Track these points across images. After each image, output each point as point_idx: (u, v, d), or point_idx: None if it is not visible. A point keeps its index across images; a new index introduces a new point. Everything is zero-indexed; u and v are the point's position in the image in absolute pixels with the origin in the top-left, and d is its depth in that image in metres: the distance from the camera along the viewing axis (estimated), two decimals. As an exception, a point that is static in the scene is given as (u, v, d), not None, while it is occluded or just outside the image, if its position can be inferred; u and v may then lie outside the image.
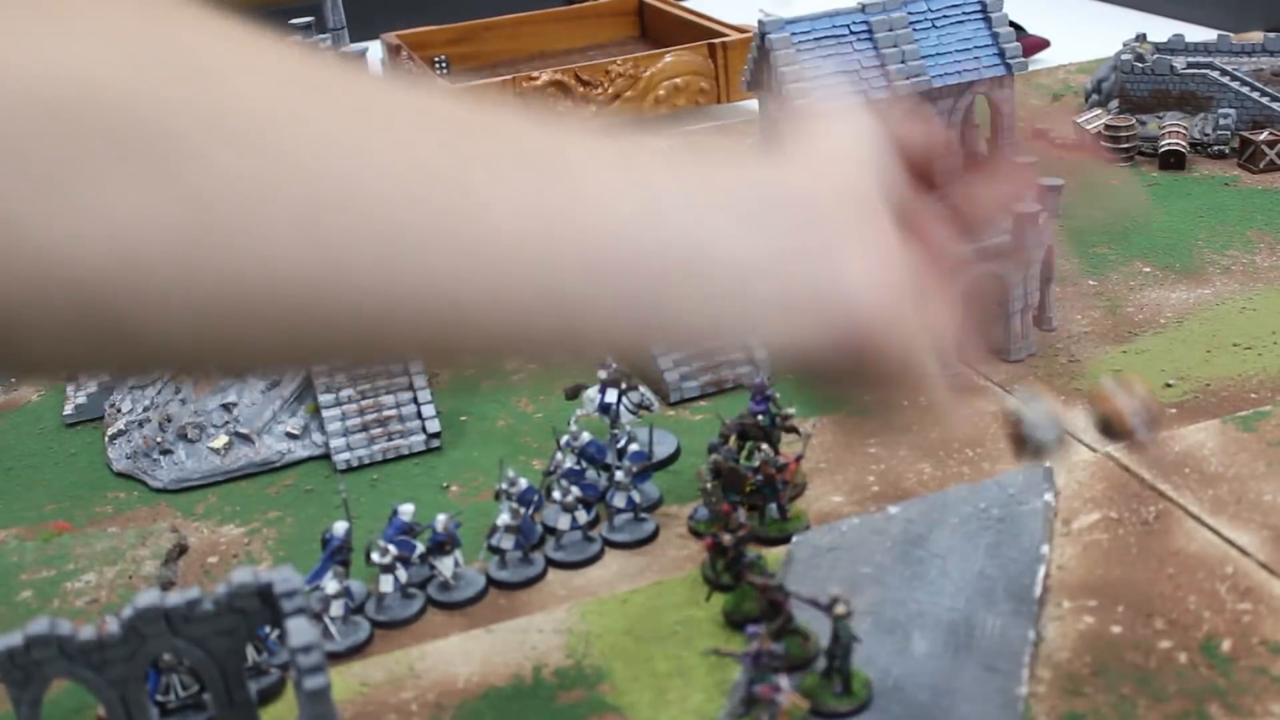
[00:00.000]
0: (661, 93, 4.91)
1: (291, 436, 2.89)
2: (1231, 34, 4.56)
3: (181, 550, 2.60)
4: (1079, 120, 4.25)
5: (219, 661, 1.89)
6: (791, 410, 2.57)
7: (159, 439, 2.88)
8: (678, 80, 4.91)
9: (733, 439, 2.54)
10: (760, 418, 2.54)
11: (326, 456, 2.87)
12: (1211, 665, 2.07)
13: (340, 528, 2.34)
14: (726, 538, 2.24)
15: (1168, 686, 2.03)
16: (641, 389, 2.68)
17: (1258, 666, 2.05)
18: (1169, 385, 2.85)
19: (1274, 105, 4.11)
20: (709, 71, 4.96)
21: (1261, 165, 3.94)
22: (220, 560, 2.57)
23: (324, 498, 2.74)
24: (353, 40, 3.03)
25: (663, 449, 2.73)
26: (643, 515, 2.52)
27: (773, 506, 2.46)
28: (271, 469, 2.86)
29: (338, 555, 2.33)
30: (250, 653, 2.15)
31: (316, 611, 2.29)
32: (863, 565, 2.33)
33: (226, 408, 2.89)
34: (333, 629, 2.29)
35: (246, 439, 2.86)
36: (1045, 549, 2.33)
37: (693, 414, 2.91)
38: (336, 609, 2.30)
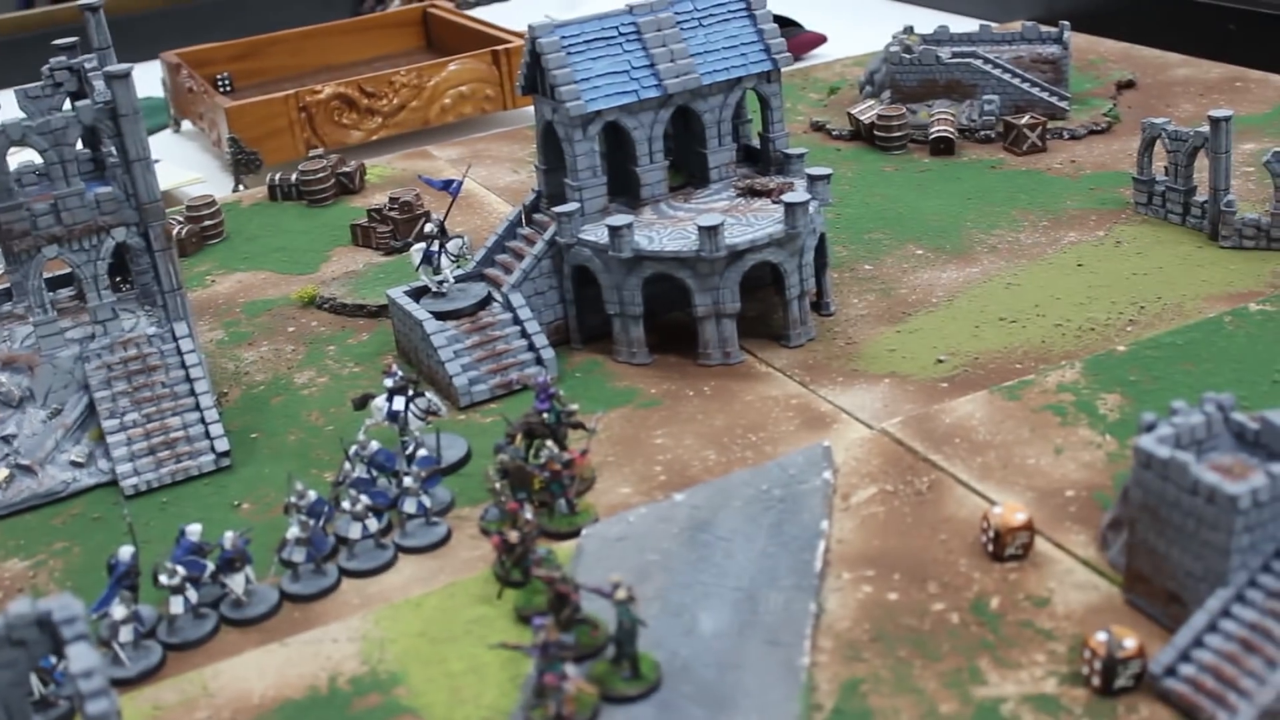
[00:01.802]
0: (448, 101, 4.92)
1: (76, 465, 2.84)
2: (994, 24, 4.76)
3: (-37, 588, 2.53)
4: (853, 111, 4.39)
5: (1, 696, 1.85)
6: (574, 406, 2.62)
7: (-65, 476, 2.80)
8: (463, 88, 4.93)
9: (519, 438, 2.57)
10: (545, 415, 2.58)
11: (114, 483, 2.82)
12: (982, 623, 2.17)
13: (126, 552, 2.31)
14: (514, 535, 2.28)
15: (941, 646, 2.13)
16: (429, 395, 2.70)
17: (1023, 620, 2.16)
18: (940, 361, 2.97)
19: (1034, 90, 4.30)
20: (493, 79, 4.99)
21: (1024, 148, 4.11)
22: (4, 596, 2.51)
23: (112, 525, 2.70)
24: (133, 60, 2.98)
25: (452, 453, 2.75)
26: (435, 519, 2.54)
27: (562, 502, 2.50)
28: (57, 499, 2.80)
29: (124, 580, 2.30)
30: (37, 685, 2.12)
31: (105, 639, 2.27)
32: (650, 553, 2.39)
33: (6, 439, 2.82)
34: (122, 655, 2.26)
35: (28, 470, 2.80)
36: (825, 524, 2.42)
37: (483, 417, 2.93)
38: (126, 634, 2.27)
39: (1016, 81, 4.31)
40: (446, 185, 3.22)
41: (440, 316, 3.05)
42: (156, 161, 2.95)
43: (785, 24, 5.43)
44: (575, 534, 2.47)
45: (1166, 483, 2.03)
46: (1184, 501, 2.01)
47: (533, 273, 3.11)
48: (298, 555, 2.42)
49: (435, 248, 3.11)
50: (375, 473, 2.60)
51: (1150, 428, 2.13)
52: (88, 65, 3.08)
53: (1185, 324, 3.00)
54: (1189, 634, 2.00)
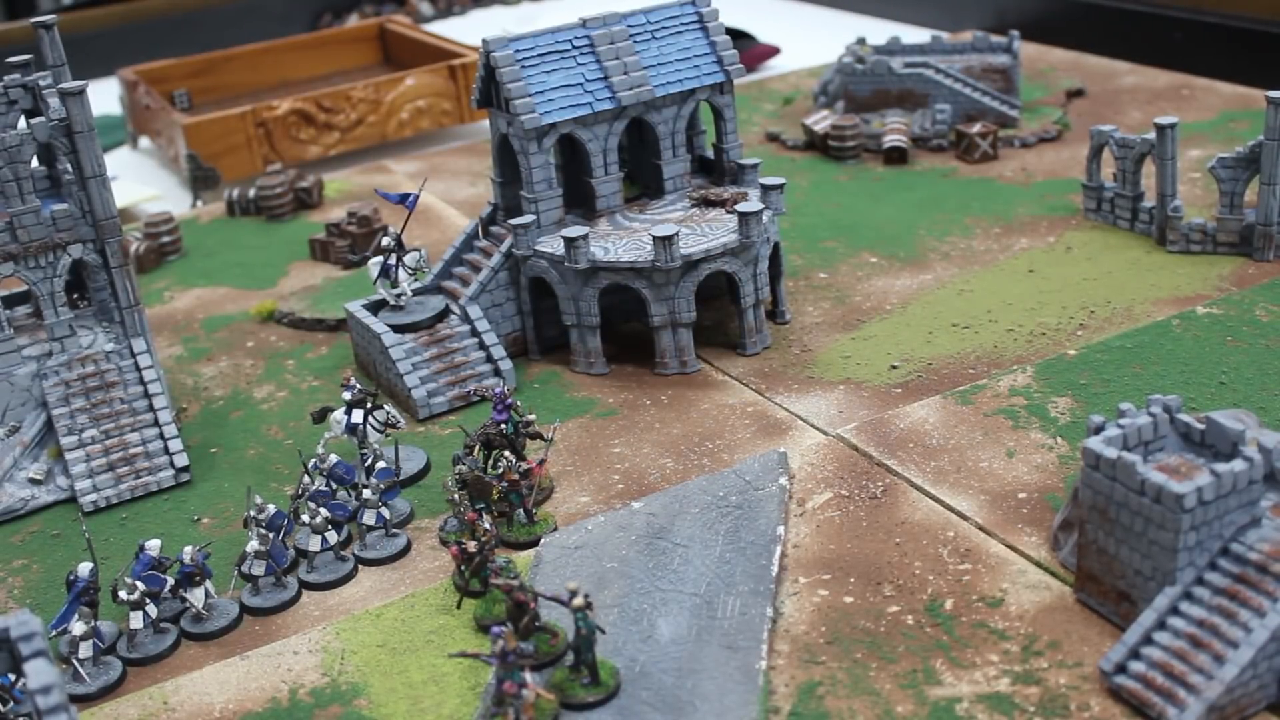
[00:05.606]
0: (405, 116, 4.93)
1: (35, 482, 2.84)
2: (945, 34, 4.81)
3: (-79, 607, 2.53)
4: (808, 122, 4.43)
5: (-42, 712, 1.86)
6: (532, 417, 2.63)
7: (-108, 496, 2.79)
8: (420, 103, 4.95)
9: (477, 449, 2.59)
10: (503, 426, 2.60)
11: (74, 500, 2.82)
12: (936, 624, 2.20)
13: (85, 568, 2.31)
14: (472, 545, 2.29)
15: (897, 648, 2.15)
16: (387, 407, 2.71)
17: (977, 620, 2.19)
18: (894, 367, 3.00)
19: (985, 99, 4.35)
20: (450, 93, 5.00)
21: (976, 156, 4.16)
22: (-36, 613, 2.51)
23: (72, 541, 2.70)
24: (90, 77, 2.98)
25: (411, 465, 2.76)
26: (394, 531, 2.55)
27: (520, 511, 2.51)
28: (15, 517, 2.80)
29: (83, 596, 2.30)
30: (-4, 703, 2.12)
31: (65, 655, 2.27)
32: (608, 560, 2.40)
33: (-37, 458, 2.82)
34: (82, 671, 2.26)
35: (-14, 488, 2.80)
36: (780, 530, 2.44)
37: (441, 429, 2.95)
38: (85, 650, 2.27)
39: (968, 91, 4.36)
40: (403, 199, 3.23)
41: (398, 329, 3.07)
42: (114, 178, 2.96)
43: (739, 36, 5.47)
44: (534, 543, 2.49)
45: (1115, 483, 2.07)
46: (1132, 501, 2.04)
47: (490, 285, 3.12)
48: (257, 568, 2.43)
49: (393, 261, 3.12)
50: (334, 485, 2.61)
51: (1098, 429, 2.16)
52: (42, 82, 3.07)
53: (1134, 327, 3.05)
54: (1138, 632, 2.03)
